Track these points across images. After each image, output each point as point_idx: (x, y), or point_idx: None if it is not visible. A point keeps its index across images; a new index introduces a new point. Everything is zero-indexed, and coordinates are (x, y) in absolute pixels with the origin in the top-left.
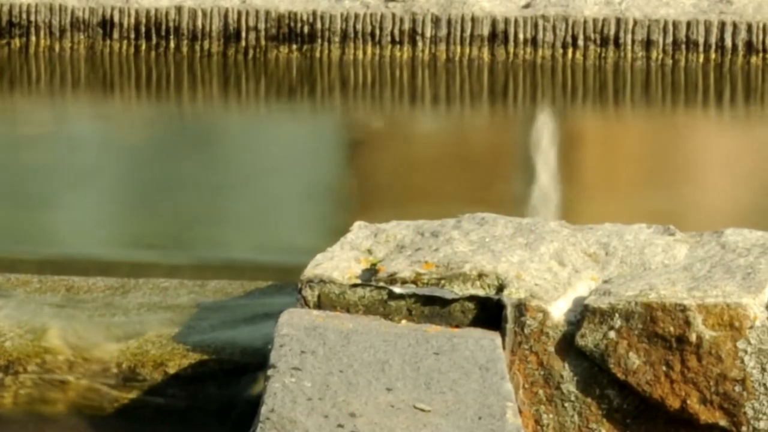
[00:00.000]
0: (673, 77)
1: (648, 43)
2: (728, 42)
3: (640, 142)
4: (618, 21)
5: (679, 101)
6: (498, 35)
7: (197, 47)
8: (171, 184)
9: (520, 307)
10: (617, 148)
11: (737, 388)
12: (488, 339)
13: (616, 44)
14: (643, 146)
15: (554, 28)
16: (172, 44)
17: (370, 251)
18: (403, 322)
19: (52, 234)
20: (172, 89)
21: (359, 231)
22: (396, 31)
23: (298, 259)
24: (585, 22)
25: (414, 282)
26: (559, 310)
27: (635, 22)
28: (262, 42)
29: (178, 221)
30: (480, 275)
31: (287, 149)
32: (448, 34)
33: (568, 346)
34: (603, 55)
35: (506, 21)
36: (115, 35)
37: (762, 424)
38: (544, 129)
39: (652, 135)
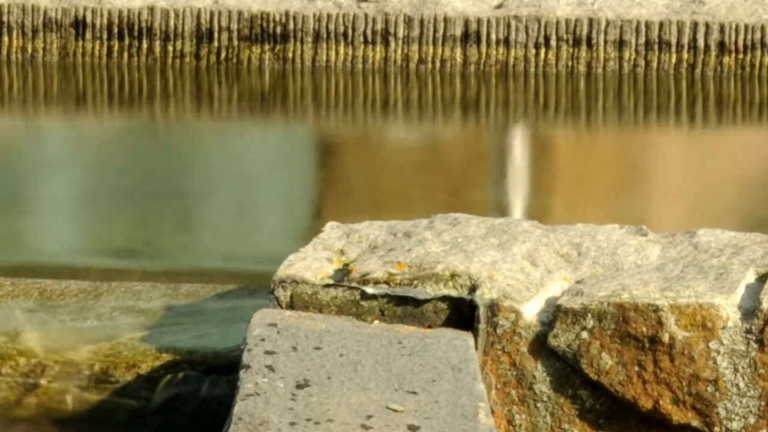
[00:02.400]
0: (646, 82)
1: (620, 44)
2: (701, 42)
3: (612, 148)
4: (590, 21)
5: (651, 110)
6: (470, 35)
7: (170, 47)
8: (144, 190)
9: (493, 308)
10: (588, 157)
11: (710, 389)
12: (461, 339)
13: (589, 44)
14: (614, 153)
15: (527, 28)
16: (144, 45)
17: (342, 251)
18: (376, 322)
19: (25, 239)
20: (145, 95)
21: (332, 231)
22: (369, 32)
23: (271, 263)
24: (557, 22)
25: (387, 282)
26: (531, 311)
27: (608, 23)
28: (235, 42)
29: (151, 226)
30: (452, 275)
31: (260, 156)
32: (421, 34)
33: (540, 346)
34: (575, 55)
35: (479, 21)
36: (88, 35)
37: (734, 425)
38: (516, 136)
39: (623, 141)
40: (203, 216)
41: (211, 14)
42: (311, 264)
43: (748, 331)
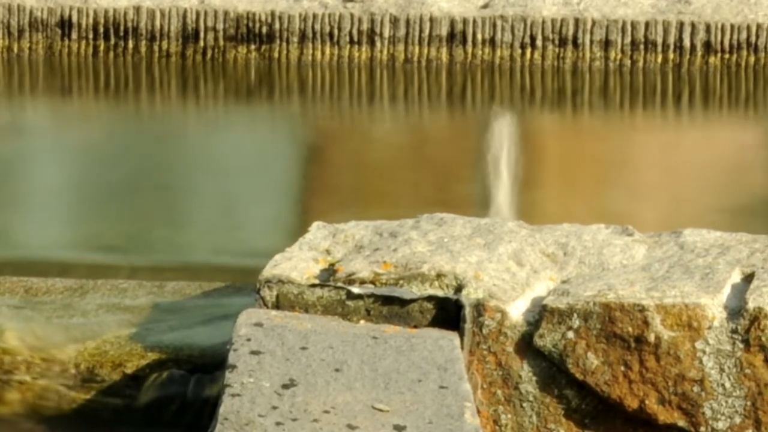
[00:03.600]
0: (632, 78)
1: (606, 44)
2: (686, 42)
3: (598, 143)
4: (576, 21)
5: (638, 102)
6: (456, 35)
7: (156, 47)
8: (130, 185)
9: (479, 308)
10: (575, 150)
11: (695, 389)
12: (447, 339)
13: (575, 44)
14: (600, 148)
15: (512, 28)
16: (130, 44)
17: (328, 251)
18: (362, 322)
19: (10, 235)
20: (131, 90)
21: (318, 231)
22: (354, 32)
23: (257, 260)
24: (543, 22)
25: (372, 282)
26: (517, 311)
27: (593, 23)
28: (221, 42)
29: (136, 223)
30: (438, 275)
31: (246, 151)
32: (407, 34)
33: (526, 346)
34: (561, 55)
35: (464, 21)
36: (74, 35)
37: (720, 425)
38: (502, 130)
39: (609, 136)
40: (189, 212)
41: (197, 14)
42: (297, 264)
43: (734, 331)
